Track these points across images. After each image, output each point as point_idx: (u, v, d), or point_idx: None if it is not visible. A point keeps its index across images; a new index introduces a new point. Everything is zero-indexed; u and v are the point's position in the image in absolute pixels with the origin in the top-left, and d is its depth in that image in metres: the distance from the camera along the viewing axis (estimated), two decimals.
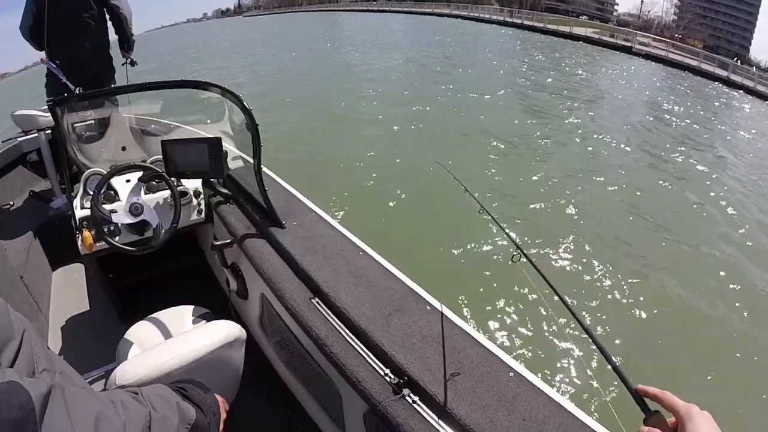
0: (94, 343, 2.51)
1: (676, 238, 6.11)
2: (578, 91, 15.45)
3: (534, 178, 7.46)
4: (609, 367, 0.80)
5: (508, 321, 4.15)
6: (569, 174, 7.78)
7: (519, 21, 39.67)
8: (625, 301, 4.60)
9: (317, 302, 1.54)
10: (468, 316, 4.17)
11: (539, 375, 1.24)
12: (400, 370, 1.25)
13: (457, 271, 4.87)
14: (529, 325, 4.06)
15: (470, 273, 4.82)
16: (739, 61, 28.22)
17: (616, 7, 67.47)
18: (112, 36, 3.67)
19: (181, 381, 1.01)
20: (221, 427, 1.02)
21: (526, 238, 5.45)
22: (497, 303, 4.34)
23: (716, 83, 22.81)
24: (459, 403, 1.13)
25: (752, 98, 20.94)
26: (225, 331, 1.48)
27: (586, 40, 32.09)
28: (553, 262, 5.14)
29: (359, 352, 1.34)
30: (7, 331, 0.67)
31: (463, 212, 5.35)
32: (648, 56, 27.93)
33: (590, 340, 0.89)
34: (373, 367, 1.29)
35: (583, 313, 4.27)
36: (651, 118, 13.07)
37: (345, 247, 1.81)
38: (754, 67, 26.66)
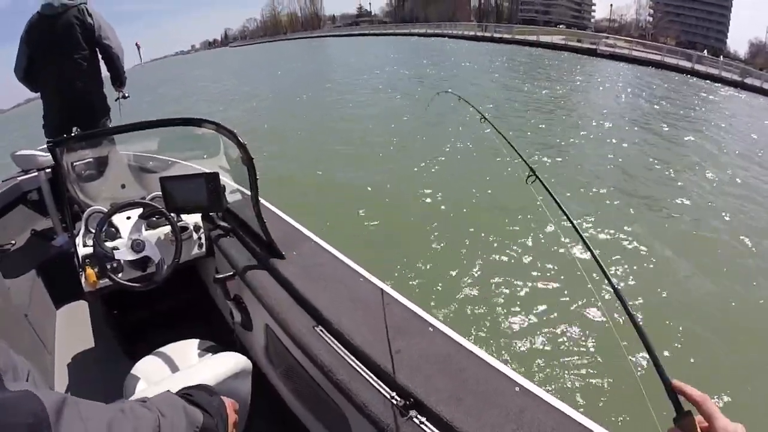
0: (101, 380, 2.51)
1: None
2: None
3: None
4: (646, 355, 0.75)
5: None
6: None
7: (492, 35, 41.21)
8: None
9: (320, 330, 1.57)
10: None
11: (546, 387, 1.26)
12: (405, 392, 1.26)
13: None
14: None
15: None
16: (721, 56, 29.12)
17: (593, 14, 68.70)
18: (105, 73, 3.71)
19: (187, 387, 1.04)
20: (231, 429, 1.04)
21: None
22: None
23: (683, 75, 24.37)
24: (466, 421, 1.14)
25: (718, 85, 22.70)
26: (231, 362, 1.51)
27: (554, 46, 33.86)
28: None
29: (364, 377, 1.35)
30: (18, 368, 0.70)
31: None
32: (613, 56, 29.66)
33: (631, 321, 0.80)
34: (379, 391, 1.30)
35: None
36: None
37: (345, 273, 1.85)
38: (721, 57, 27.62)
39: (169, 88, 28.08)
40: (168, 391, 0.95)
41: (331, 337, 1.52)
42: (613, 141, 10.09)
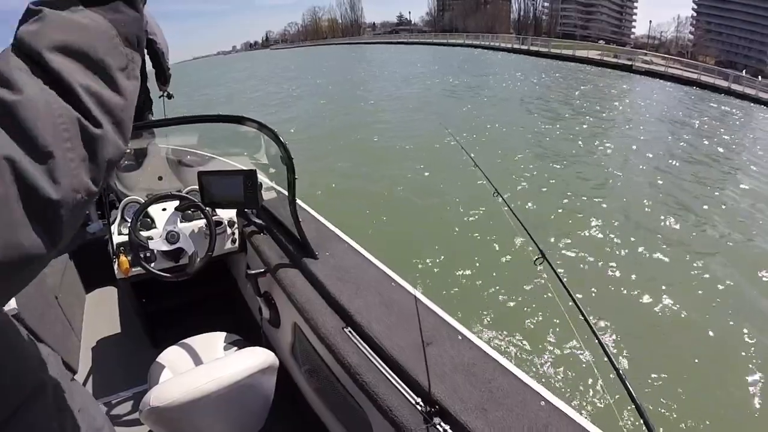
0: (125, 366, 2.57)
1: None
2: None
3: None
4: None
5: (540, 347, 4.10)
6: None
7: (528, 48, 41.37)
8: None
9: (350, 332, 1.57)
10: (502, 342, 4.14)
11: (572, 404, 1.24)
12: (431, 399, 1.25)
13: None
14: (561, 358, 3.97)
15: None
16: (760, 77, 28.42)
17: (633, 30, 67.78)
18: (149, 68, 3.79)
19: None
20: None
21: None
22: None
23: (719, 94, 24.01)
24: None
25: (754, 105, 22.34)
26: (261, 358, 1.53)
27: (590, 61, 33.91)
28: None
29: (391, 381, 1.35)
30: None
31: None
32: (648, 73, 29.56)
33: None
34: (405, 396, 1.30)
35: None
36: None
37: (377, 277, 1.84)
38: (759, 78, 27.14)
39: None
40: None
41: (360, 340, 1.52)
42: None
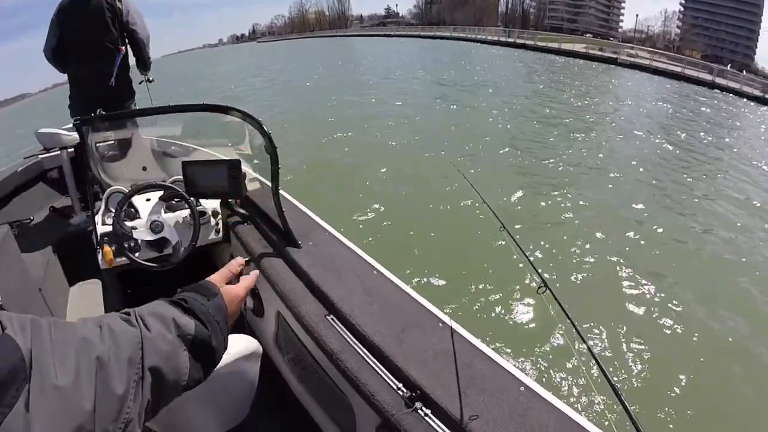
0: None
1: None
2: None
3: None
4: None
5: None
6: None
7: (515, 40, 41.83)
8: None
9: (332, 319, 1.58)
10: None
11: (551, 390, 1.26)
12: (412, 384, 1.27)
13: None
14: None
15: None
16: (744, 71, 28.89)
17: (620, 24, 68.10)
18: (132, 59, 3.79)
19: (185, 289, 0.93)
20: (230, 323, 0.97)
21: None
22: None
23: (703, 87, 24.44)
24: (471, 416, 1.15)
25: (734, 97, 22.73)
26: (242, 344, 1.53)
27: (575, 54, 34.46)
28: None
29: (372, 367, 1.37)
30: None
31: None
32: (633, 66, 30.11)
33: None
34: (386, 381, 1.31)
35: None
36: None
37: (359, 265, 1.86)
38: (744, 72, 27.66)
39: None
40: (161, 299, 0.87)
41: (342, 327, 1.53)
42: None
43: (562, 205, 7.05)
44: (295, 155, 9.04)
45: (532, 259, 1.28)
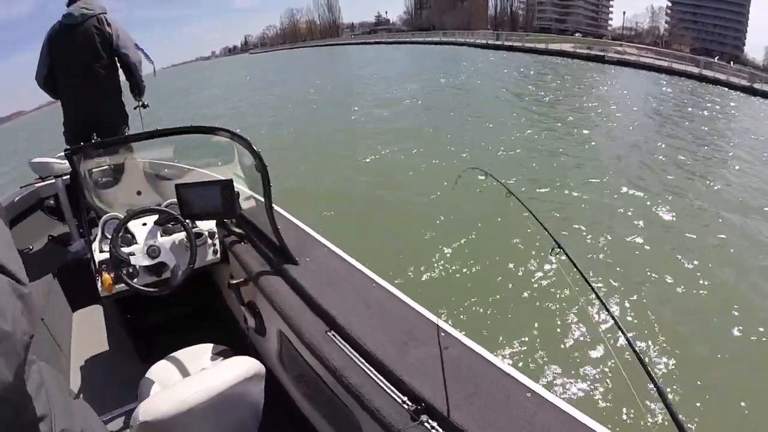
0: (115, 384, 2.55)
1: None
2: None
3: None
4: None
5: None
6: None
7: (503, 42, 42.08)
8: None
9: (333, 335, 1.58)
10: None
11: (556, 393, 1.26)
12: (417, 396, 1.27)
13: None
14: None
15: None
16: (732, 62, 29.11)
17: (609, 22, 68.37)
18: (124, 82, 3.78)
19: None
20: None
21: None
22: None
23: (691, 80, 24.69)
24: (478, 426, 1.14)
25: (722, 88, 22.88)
26: (245, 366, 1.53)
27: (563, 54, 34.64)
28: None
29: (376, 381, 1.36)
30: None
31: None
32: (620, 63, 30.42)
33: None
34: (391, 395, 1.31)
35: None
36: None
37: (357, 279, 1.86)
38: (731, 63, 27.99)
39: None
40: None
41: (344, 342, 1.53)
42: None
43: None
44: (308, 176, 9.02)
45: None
